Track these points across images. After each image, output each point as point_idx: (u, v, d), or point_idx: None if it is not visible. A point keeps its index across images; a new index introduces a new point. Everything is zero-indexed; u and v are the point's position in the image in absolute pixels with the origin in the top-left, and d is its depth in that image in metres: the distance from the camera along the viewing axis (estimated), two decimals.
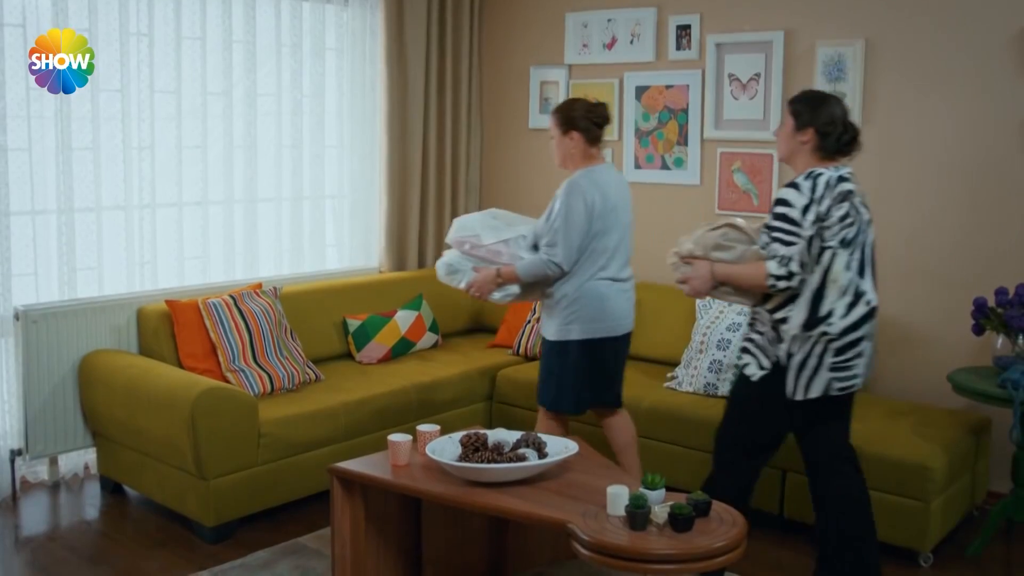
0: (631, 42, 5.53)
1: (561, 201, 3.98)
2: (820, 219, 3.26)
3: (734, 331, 4.66)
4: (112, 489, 4.61)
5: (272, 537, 4.12)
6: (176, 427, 4.00)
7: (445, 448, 3.39)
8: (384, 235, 5.85)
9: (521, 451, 3.33)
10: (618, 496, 3.00)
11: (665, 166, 5.48)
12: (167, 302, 4.61)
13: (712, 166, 5.30)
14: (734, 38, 5.14)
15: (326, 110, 5.60)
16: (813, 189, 3.29)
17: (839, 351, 3.32)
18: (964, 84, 4.51)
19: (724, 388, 4.58)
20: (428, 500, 3.49)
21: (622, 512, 2.96)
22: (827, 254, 3.28)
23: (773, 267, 3.28)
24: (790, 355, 3.36)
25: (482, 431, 3.45)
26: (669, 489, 3.14)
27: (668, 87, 5.41)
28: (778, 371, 3.40)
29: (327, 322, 5.18)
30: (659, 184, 5.51)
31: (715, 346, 4.66)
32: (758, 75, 5.07)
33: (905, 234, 4.71)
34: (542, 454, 3.35)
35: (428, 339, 5.42)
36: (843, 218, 3.27)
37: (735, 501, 3.30)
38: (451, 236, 4.22)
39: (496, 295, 4.11)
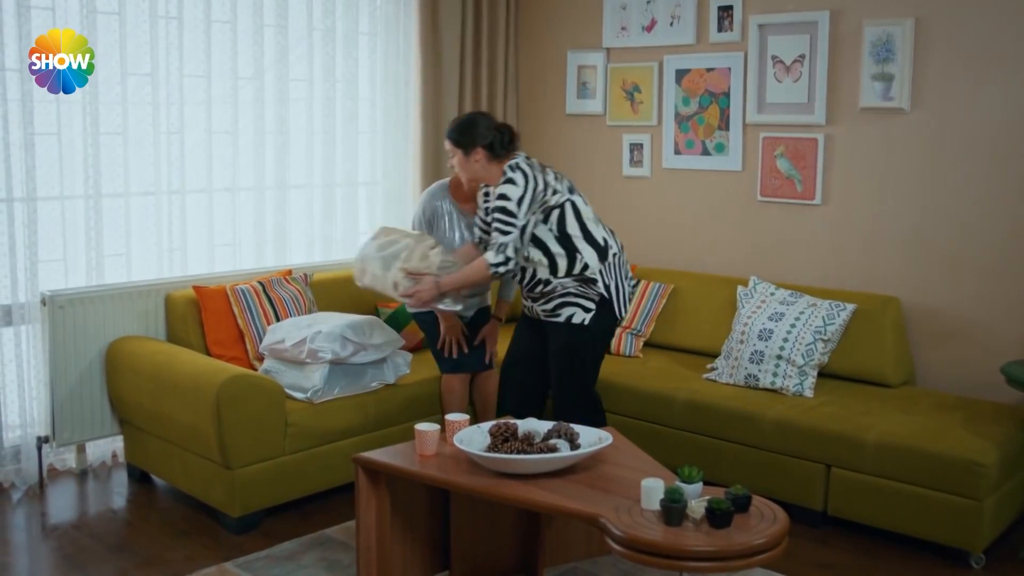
0: (671, 24, 5.38)
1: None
2: (542, 191, 3.78)
3: (776, 320, 4.51)
4: (139, 477, 4.56)
5: (298, 528, 4.04)
6: (201, 415, 3.92)
7: (474, 438, 3.28)
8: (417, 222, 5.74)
9: (552, 442, 3.22)
10: (653, 490, 2.87)
11: (706, 152, 5.32)
12: (194, 288, 4.54)
13: (754, 151, 5.13)
14: (778, 19, 4.96)
15: (359, 96, 5.50)
16: (524, 175, 3.76)
17: (623, 263, 3.96)
18: (1019, 65, 4.31)
19: (765, 379, 4.43)
20: (456, 491, 3.38)
21: (657, 506, 2.84)
22: (567, 205, 3.81)
23: (491, 256, 3.77)
24: (607, 286, 3.87)
25: (512, 421, 3.34)
26: (707, 483, 3.02)
27: (709, 70, 5.25)
28: (601, 305, 3.87)
29: (358, 310, 5.06)
30: (699, 170, 5.36)
31: (756, 336, 4.50)
32: (803, 57, 4.89)
33: (956, 222, 4.52)
34: (574, 445, 3.23)
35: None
36: (556, 176, 3.87)
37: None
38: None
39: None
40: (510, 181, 3.77)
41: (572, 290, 3.87)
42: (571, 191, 3.88)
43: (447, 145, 3.97)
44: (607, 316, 3.91)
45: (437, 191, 4.40)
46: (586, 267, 3.84)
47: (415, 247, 3.98)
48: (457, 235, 4.31)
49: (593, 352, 3.99)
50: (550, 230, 3.81)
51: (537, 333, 4.05)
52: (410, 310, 4.24)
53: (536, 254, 3.84)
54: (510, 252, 3.75)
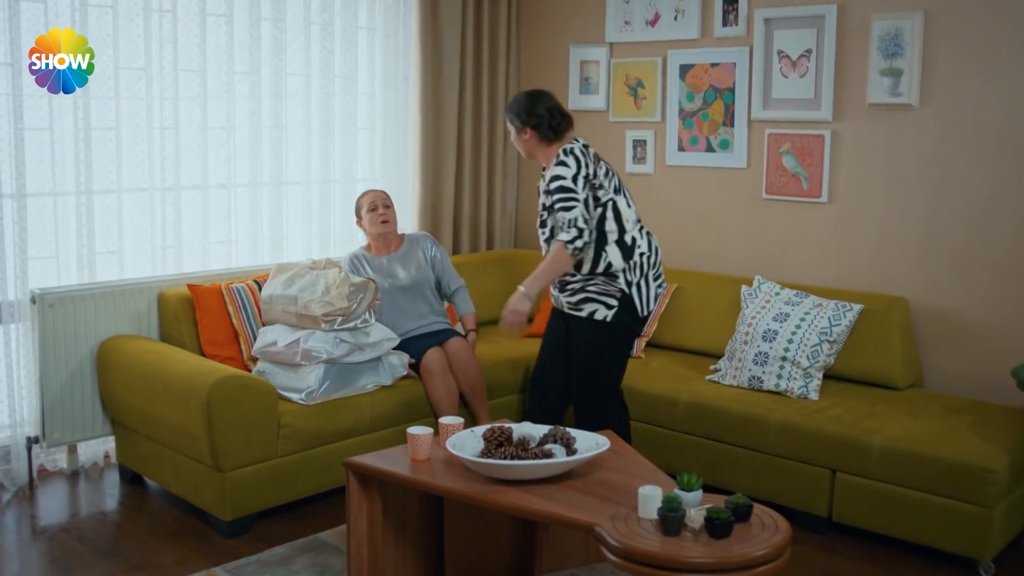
0: (675, 18, 5.28)
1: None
2: (590, 180, 3.82)
3: (781, 321, 4.41)
4: (131, 479, 4.48)
5: (291, 532, 3.96)
6: (192, 417, 3.84)
7: (467, 443, 3.18)
8: (417, 221, 5.66)
9: (548, 447, 3.12)
10: (650, 498, 2.78)
11: (710, 148, 5.22)
12: (189, 286, 4.46)
13: (760, 148, 5.03)
14: (784, 12, 4.86)
15: (358, 91, 5.41)
16: (577, 160, 3.82)
17: (652, 265, 3.96)
18: None
19: (770, 381, 4.33)
20: (448, 497, 3.29)
21: (654, 515, 2.74)
22: (609, 204, 3.85)
23: (564, 236, 3.77)
24: (629, 283, 3.88)
25: (507, 425, 3.25)
26: (708, 489, 2.93)
27: (714, 65, 5.15)
28: (622, 302, 3.89)
29: None
30: (704, 167, 5.26)
31: (760, 337, 4.41)
32: (809, 51, 4.79)
33: (965, 220, 4.42)
34: (570, 450, 3.14)
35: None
36: (607, 173, 3.91)
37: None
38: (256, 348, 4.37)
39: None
40: (562, 163, 3.83)
41: (595, 286, 3.89)
42: (617, 191, 3.91)
43: (506, 118, 4.08)
44: (629, 314, 3.91)
45: (354, 251, 4.78)
46: (609, 265, 3.86)
47: (318, 276, 4.30)
48: (384, 281, 4.61)
49: (616, 350, 3.98)
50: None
51: (564, 329, 4.05)
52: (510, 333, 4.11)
53: None
54: (580, 223, 3.76)
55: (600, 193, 3.85)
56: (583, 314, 3.91)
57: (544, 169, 4.03)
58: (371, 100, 5.51)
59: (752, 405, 4.21)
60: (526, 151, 4.04)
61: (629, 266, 3.88)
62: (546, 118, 3.93)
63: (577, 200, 3.77)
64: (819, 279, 4.82)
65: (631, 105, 5.54)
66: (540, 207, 3.97)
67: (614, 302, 3.89)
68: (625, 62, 5.53)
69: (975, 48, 4.34)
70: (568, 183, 3.78)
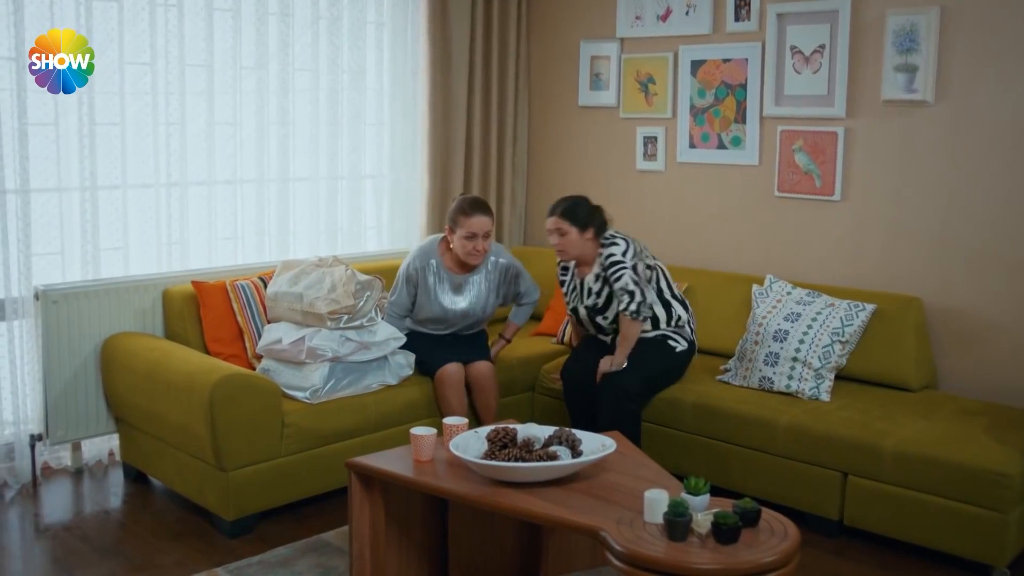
0: (687, 13, 5.21)
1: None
2: (641, 250, 4.29)
3: (792, 321, 4.34)
4: (135, 477, 4.45)
5: (294, 532, 3.92)
6: (194, 415, 3.80)
7: (470, 444, 3.13)
8: (426, 218, 5.62)
9: (552, 449, 3.07)
10: (656, 502, 2.73)
11: (722, 145, 5.15)
12: (193, 283, 4.43)
13: (772, 145, 4.96)
14: (797, 7, 4.79)
15: (366, 87, 5.36)
16: (625, 240, 4.26)
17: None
18: None
19: (780, 382, 4.27)
20: (451, 499, 3.25)
21: (660, 520, 2.69)
22: (658, 268, 4.37)
23: (621, 306, 4.19)
24: (693, 330, 4.47)
25: (511, 426, 3.20)
26: (717, 491, 2.87)
27: (725, 61, 5.08)
28: (690, 343, 4.43)
29: None
30: (715, 164, 5.19)
31: (771, 337, 4.34)
32: (823, 47, 4.72)
33: (981, 219, 4.35)
34: (576, 452, 3.09)
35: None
36: (643, 247, 4.35)
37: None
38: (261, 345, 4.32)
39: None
40: (614, 243, 4.24)
41: (669, 328, 4.35)
42: (654, 258, 4.40)
43: (558, 224, 4.23)
44: (692, 351, 4.44)
45: (430, 249, 4.50)
46: (679, 318, 4.36)
47: (324, 273, 4.25)
48: (447, 299, 4.46)
49: (671, 373, 4.38)
50: (652, 289, 4.29)
51: (603, 351, 4.32)
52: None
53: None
54: (631, 287, 4.16)
55: (649, 261, 4.31)
56: (674, 345, 4.35)
57: (568, 280, 4.44)
58: (379, 96, 5.47)
59: (762, 406, 4.15)
60: (579, 250, 4.27)
61: (688, 314, 4.41)
62: (599, 219, 4.29)
63: (625, 267, 4.17)
64: (831, 278, 4.75)
65: (642, 101, 5.47)
66: (591, 298, 4.31)
67: (685, 342, 4.37)
68: (636, 57, 5.47)
69: (991, 44, 4.26)
70: (618, 257, 4.19)
